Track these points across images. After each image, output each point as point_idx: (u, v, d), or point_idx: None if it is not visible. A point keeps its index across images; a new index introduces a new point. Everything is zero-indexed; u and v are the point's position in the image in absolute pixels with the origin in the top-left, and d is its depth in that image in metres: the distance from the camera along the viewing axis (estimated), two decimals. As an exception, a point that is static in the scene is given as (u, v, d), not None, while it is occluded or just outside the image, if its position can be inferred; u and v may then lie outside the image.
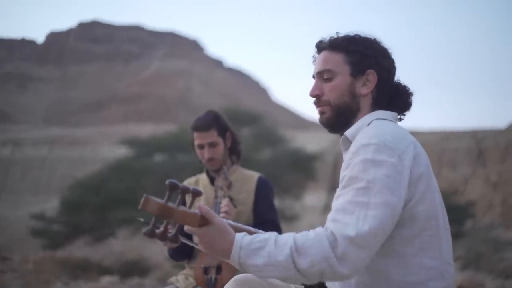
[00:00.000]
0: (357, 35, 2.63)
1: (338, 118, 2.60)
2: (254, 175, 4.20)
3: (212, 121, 4.10)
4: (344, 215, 2.28)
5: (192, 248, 3.97)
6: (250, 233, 2.51)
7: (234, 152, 4.21)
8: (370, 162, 2.34)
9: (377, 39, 2.64)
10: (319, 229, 2.30)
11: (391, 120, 2.59)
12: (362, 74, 2.58)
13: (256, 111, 35.86)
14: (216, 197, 3.96)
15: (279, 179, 31.53)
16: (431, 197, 2.42)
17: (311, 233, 2.29)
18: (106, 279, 18.83)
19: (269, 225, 3.99)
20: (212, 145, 4.07)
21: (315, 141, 67.30)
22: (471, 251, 22.98)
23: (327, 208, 60.18)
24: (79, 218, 30.33)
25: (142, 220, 3.81)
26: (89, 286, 20.28)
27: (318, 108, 2.63)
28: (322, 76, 2.62)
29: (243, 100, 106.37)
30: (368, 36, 2.64)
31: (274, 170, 31.40)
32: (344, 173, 2.40)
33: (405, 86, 2.66)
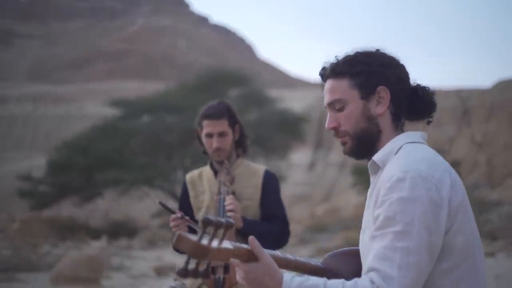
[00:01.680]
0: (357, 53, 2.54)
1: (361, 146, 2.53)
2: (260, 169, 4.14)
3: (225, 111, 4.03)
4: (385, 263, 2.25)
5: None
6: (290, 264, 2.47)
7: (240, 145, 4.16)
8: (406, 201, 2.27)
9: (380, 50, 2.55)
10: (366, 283, 2.26)
11: (421, 142, 2.50)
12: (373, 93, 2.49)
13: (243, 72, 35.61)
14: (219, 193, 3.92)
15: (266, 140, 31.57)
16: (468, 226, 2.37)
17: (360, 285, 2.25)
18: (94, 243, 18.85)
19: (278, 220, 3.99)
20: (222, 134, 3.99)
21: (301, 99, 67.29)
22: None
23: (312, 166, 60.34)
24: (66, 179, 30.27)
25: (159, 202, 3.80)
26: (77, 247, 20.36)
27: (339, 139, 2.56)
28: (333, 107, 2.53)
29: (228, 57, 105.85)
30: (369, 51, 2.54)
31: (261, 131, 31.41)
32: (379, 211, 2.33)
33: (424, 88, 2.56)
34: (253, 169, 4.11)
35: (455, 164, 32.48)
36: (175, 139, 31.09)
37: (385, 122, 2.51)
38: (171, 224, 3.84)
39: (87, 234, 26.85)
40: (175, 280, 4.02)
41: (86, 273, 11.60)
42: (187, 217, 3.81)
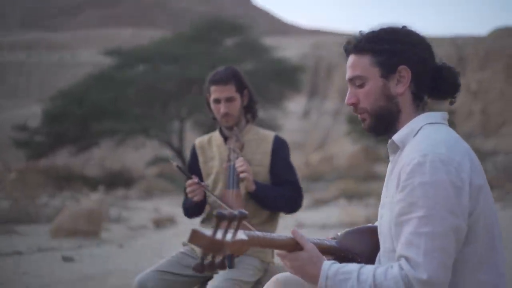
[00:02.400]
0: (382, 29, 2.52)
1: (380, 123, 2.53)
2: (270, 135, 4.12)
3: (231, 76, 4.00)
4: (411, 250, 2.29)
5: (204, 204, 3.96)
6: (332, 250, 2.56)
7: (249, 111, 4.14)
8: (427, 185, 2.29)
9: (406, 27, 2.53)
10: (395, 270, 2.31)
11: (441, 122, 2.49)
12: (394, 72, 2.47)
13: (239, 20, 35.27)
14: (228, 159, 3.94)
15: (262, 90, 31.46)
16: (489, 209, 2.39)
17: (389, 273, 2.31)
18: (92, 194, 18.94)
19: (289, 186, 4.00)
20: (229, 100, 3.97)
21: (296, 47, 66.99)
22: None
23: (307, 114, 60.39)
24: (61, 129, 30.21)
25: (176, 165, 3.80)
26: (74, 198, 20.46)
27: (358, 115, 2.57)
28: (354, 83, 2.53)
29: (223, 4, 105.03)
30: (394, 28, 2.52)
31: (257, 80, 31.28)
32: (401, 197, 2.35)
33: (449, 68, 2.54)
34: (263, 135, 4.09)
35: (449, 113, 32.47)
36: (171, 88, 30.97)
37: (405, 102, 2.51)
38: (188, 189, 3.85)
39: (84, 184, 26.96)
40: (184, 245, 4.04)
41: (85, 226, 11.66)
42: (203, 183, 3.82)
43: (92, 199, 16.14)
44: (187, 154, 32.75)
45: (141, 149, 32.42)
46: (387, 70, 2.48)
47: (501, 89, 39.91)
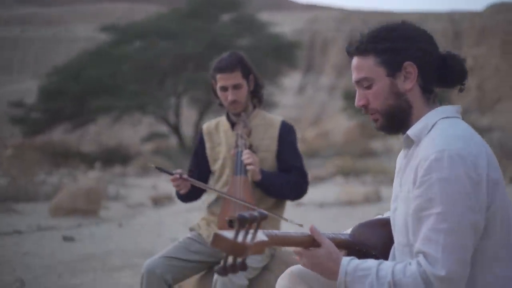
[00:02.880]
0: (382, 28, 2.51)
1: (392, 122, 2.54)
2: (277, 120, 4.10)
3: (237, 62, 3.97)
4: (430, 246, 2.30)
5: (195, 190, 3.96)
6: (346, 244, 2.59)
7: (256, 95, 4.13)
8: (445, 181, 2.30)
9: (405, 23, 2.53)
10: (414, 267, 2.33)
11: (456, 116, 2.50)
12: (400, 70, 2.48)
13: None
14: (236, 145, 3.94)
15: (258, 66, 31.38)
16: (505, 203, 2.40)
17: (408, 270, 2.33)
18: (90, 172, 18.93)
19: (295, 171, 4.00)
20: (236, 87, 3.96)
21: (291, 21, 66.77)
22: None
23: (302, 89, 60.34)
24: (58, 105, 30.15)
25: (155, 167, 3.85)
26: (72, 175, 20.48)
27: (370, 116, 2.57)
28: (361, 85, 2.53)
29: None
30: (393, 25, 2.52)
31: (253, 57, 31.16)
32: (419, 193, 2.36)
33: (453, 56, 2.53)
34: (270, 120, 4.09)
35: (445, 90, 32.43)
36: (167, 65, 30.89)
37: (415, 97, 2.51)
38: (173, 185, 3.86)
39: (80, 161, 26.96)
40: (191, 230, 4.06)
41: (84, 205, 11.69)
42: (185, 176, 3.82)
43: (89, 177, 16.14)
44: (184, 130, 32.88)
45: (138, 126, 32.41)
46: (393, 69, 2.48)
47: (496, 65, 39.90)
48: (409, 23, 2.54)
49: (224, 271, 2.16)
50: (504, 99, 36.93)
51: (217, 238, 2.12)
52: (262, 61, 31.42)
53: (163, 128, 34.21)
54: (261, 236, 2.23)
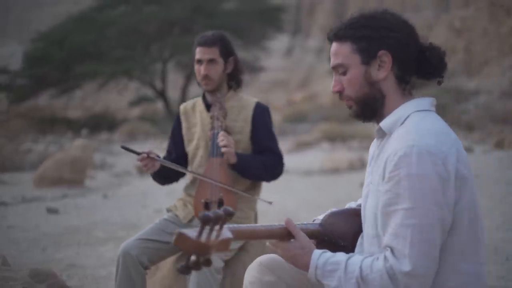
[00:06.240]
0: (361, 16, 2.52)
1: (365, 109, 2.54)
2: (251, 102, 4.08)
3: (218, 39, 3.99)
4: (397, 241, 2.32)
5: (166, 171, 3.96)
6: (315, 234, 2.62)
7: (234, 79, 4.12)
8: (414, 177, 2.31)
9: (385, 13, 2.51)
10: (380, 262, 2.36)
11: (429, 109, 2.49)
12: (374, 58, 2.47)
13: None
14: (212, 127, 3.95)
15: (245, 30, 31.24)
16: (473, 200, 2.42)
17: (375, 265, 2.36)
18: (75, 141, 18.87)
19: (269, 153, 4.01)
20: (211, 62, 3.95)
21: (278, -16, 66.29)
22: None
23: (289, 52, 60.10)
24: (43, 72, 29.94)
25: (121, 146, 3.88)
26: (58, 143, 20.44)
27: (345, 102, 2.58)
28: (337, 70, 2.54)
29: None
30: (373, 14, 2.52)
31: (239, 21, 31.02)
32: (388, 187, 2.37)
33: (433, 48, 2.50)
34: (244, 102, 4.07)
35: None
36: (153, 30, 30.72)
37: (389, 86, 2.51)
38: (141, 165, 3.87)
39: (67, 128, 26.88)
40: (167, 211, 4.07)
41: (69, 175, 11.68)
42: (153, 155, 3.82)
43: (76, 144, 16.08)
44: (170, 94, 32.75)
45: (124, 92, 32.24)
46: (367, 56, 2.48)
47: (484, 27, 39.78)
48: (391, 12, 2.53)
49: (187, 270, 2.14)
50: (492, 62, 36.90)
51: (180, 237, 2.10)
52: (247, 25, 31.31)
53: (150, 94, 34.09)
54: (226, 233, 2.21)
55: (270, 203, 3.92)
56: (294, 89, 50.97)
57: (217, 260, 3.60)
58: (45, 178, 11.67)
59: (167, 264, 3.99)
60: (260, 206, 4.31)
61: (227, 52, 4.01)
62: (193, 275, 3.49)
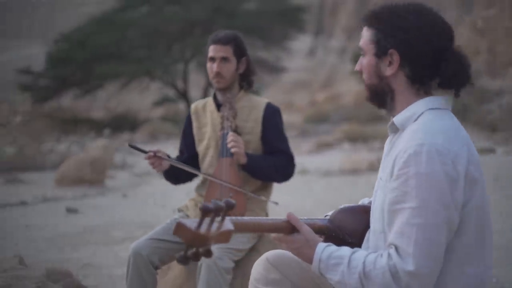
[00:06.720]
0: (388, 9, 2.48)
1: (374, 98, 2.55)
2: (262, 102, 4.07)
3: (232, 38, 4.00)
4: (402, 240, 2.31)
5: (177, 170, 3.96)
6: (323, 230, 2.60)
7: (245, 79, 4.15)
8: (422, 176, 2.29)
9: (411, 10, 2.45)
10: (384, 259, 2.35)
11: (444, 108, 2.45)
12: (386, 54, 2.45)
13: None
14: (222, 128, 3.96)
15: (266, 31, 31.24)
16: (482, 203, 2.39)
17: (378, 262, 2.35)
18: (97, 141, 18.98)
19: (280, 154, 4.00)
20: (224, 60, 3.96)
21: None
22: (457, 102, 22.78)
23: (312, 52, 60.01)
24: (66, 72, 30.16)
25: (128, 144, 3.90)
26: (80, 143, 20.55)
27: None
28: (360, 52, 2.55)
29: None
30: (398, 9, 2.47)
31: (260, 21, 31.00)
32: (395, 185, 2.35)
33: (459, 57, 2.42)
34: (255, 103, 4.06)
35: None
36: (174, 30, 30.77)
37: (399, 84, 2.48)
38: (148, 163, 3.89)
39: (89, 128, 27.04)
40: (179, 211, 4.09)
41: (90, 175, 11.76)
42: (160, 154, 3.84)
43: (97, 144, 16.17)
44: (192, 95, 32.83)
45: (146, 92, 32.35)
46: (380, 51, 2.47)
47: (508, 27, 39.49)
48: (418, 11, 2.46)
49: (185, 260, 2.13)
50: (515, 62, 36.64)
51: (179, 227, 2.08)
52: (268, 25, 31.27)
53: (172, 94, 34.17)
54: (227, 225, 2.20)
55: (276, 203, 3.93)
56: (317, 90, 50.89)
57: (228, 260, 3.60)
58: (65, 178, 11.77)
59: (178, 265, 4.00)
60: (275, 207, 4.31)
61: (240, 52, 4.02)
62: (203, 275, 3.50)
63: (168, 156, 3.87)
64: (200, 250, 2.13)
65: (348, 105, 32.76)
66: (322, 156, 16.68)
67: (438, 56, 2.44)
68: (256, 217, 2.48)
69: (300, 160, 14.45)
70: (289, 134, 22.71)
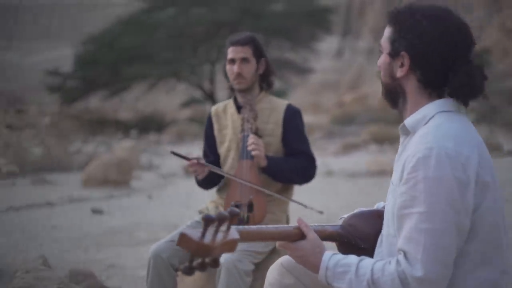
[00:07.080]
0: (408, 9, 2.44)
1: (388, 96, 2.52)
2: (282, 104, 4.04)
3: (250, 40, 3.98)
4: (410, 245, 2.27)
5: (213, 175, 3.95)
6: (334, 236, 2.58)
7: (265, 80, 4.14)
8: (431, 180, 2.24)
9: (429, 15, 2.39)
10: (393, 266, 2.31)
11: (454, 111, 2.40)
12: (398, 55, 2.42)
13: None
14: (242, 130, 3.94)
15: (293, 32, 31.24)
16: (495, 206, 2.33)
17: (387, 269, 2.31)
18: (124, 142, 19.08)
19: (301, 155, 3.98)
20: (244, 60, 3.95)
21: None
22: (486, 103, 22.52)
23: (340, 53, 59.94)
24: (93, 74, 30.42)
25: (171, 151, 3.87)
26: (107, 144, 20.68)
27: None
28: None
29: None
30: (421, 10, 2.42)
31: (287, 22, 30.99)
32: (404, 189, 2.32)
33: (471, 70, 2.36)
34: (275, 104, 4.04)
35: (485, 52, 31.87)
36: (200, 32, 30.86)
37: (411, 86, 2.44)
38: (190, 170, 3.88)
39: (117, 129, 27.20)
40: (200, 213, 4.08)
41: (116, 176, 11.82)
42: (202, 161, 3.83)
43: (124, 145, 16.26)
44: (219, 96, 32.96)
45: (172, 93, 32.52)
46: (393, 51, 2.44)
47: (537, 27, 39.12)
48: (439, 16, 2.41)
49: (190, 271, 2.09)
50: (545, 62, 36.28)
51: (182, 237, 2.04)
52: (295, 26, 31.25)
53: (199, 95, 34.29)
54: (233, 234, 2.16)
55: (321, 212, 3.91)
56: (344, 91, 50.79)
57: (247, 263, 3.59)
58: (92, 178, 11.84)
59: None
60: (297, 209, 4.28)
61: (259, 53, 4.01)
62: (223, 278, 3.49)
63: (207, 163, 3.87)
64: (206, 260, 2.09)
65: (375, 107, 32.64)
66: (348, 158, 16.63)
67: (447, 65, 2.38)
68: (262, 226, 2.45)
69: (326, 161, 14.48)
70: (316, 135, 22.77)
